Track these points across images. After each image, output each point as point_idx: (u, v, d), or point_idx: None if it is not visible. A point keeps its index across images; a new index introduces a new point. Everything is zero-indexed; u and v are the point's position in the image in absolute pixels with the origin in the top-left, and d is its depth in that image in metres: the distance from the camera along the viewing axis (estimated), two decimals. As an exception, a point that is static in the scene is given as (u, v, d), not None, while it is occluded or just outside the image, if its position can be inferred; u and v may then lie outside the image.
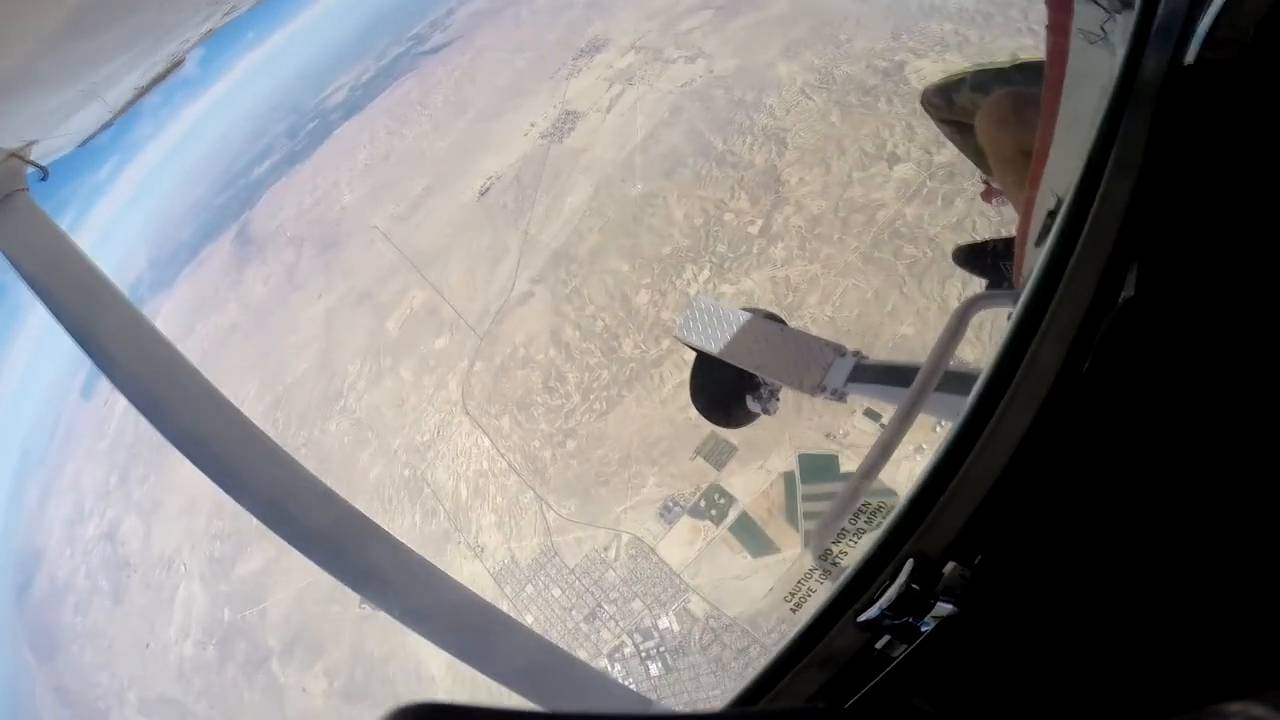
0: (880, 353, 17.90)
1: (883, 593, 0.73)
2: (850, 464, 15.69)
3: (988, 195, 2.55)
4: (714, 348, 2.53)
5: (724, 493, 16.38)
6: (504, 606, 17.75)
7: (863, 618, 0.73)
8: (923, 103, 2.41)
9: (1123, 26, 1.24)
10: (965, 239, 16.87)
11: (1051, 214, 1.54)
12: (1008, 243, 2.36)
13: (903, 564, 0.74)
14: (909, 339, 16.66)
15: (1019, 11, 20.91)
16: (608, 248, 23.70)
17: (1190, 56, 1.16)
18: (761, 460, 16.36)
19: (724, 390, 2.71)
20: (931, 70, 21.62)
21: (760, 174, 22.77)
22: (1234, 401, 0.85)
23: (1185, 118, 1.09)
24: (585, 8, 40.30)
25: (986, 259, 2.53)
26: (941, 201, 18.52)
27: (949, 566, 0.76)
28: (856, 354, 2.16)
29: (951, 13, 23.31)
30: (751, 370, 2.47)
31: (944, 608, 0.75)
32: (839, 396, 2.12)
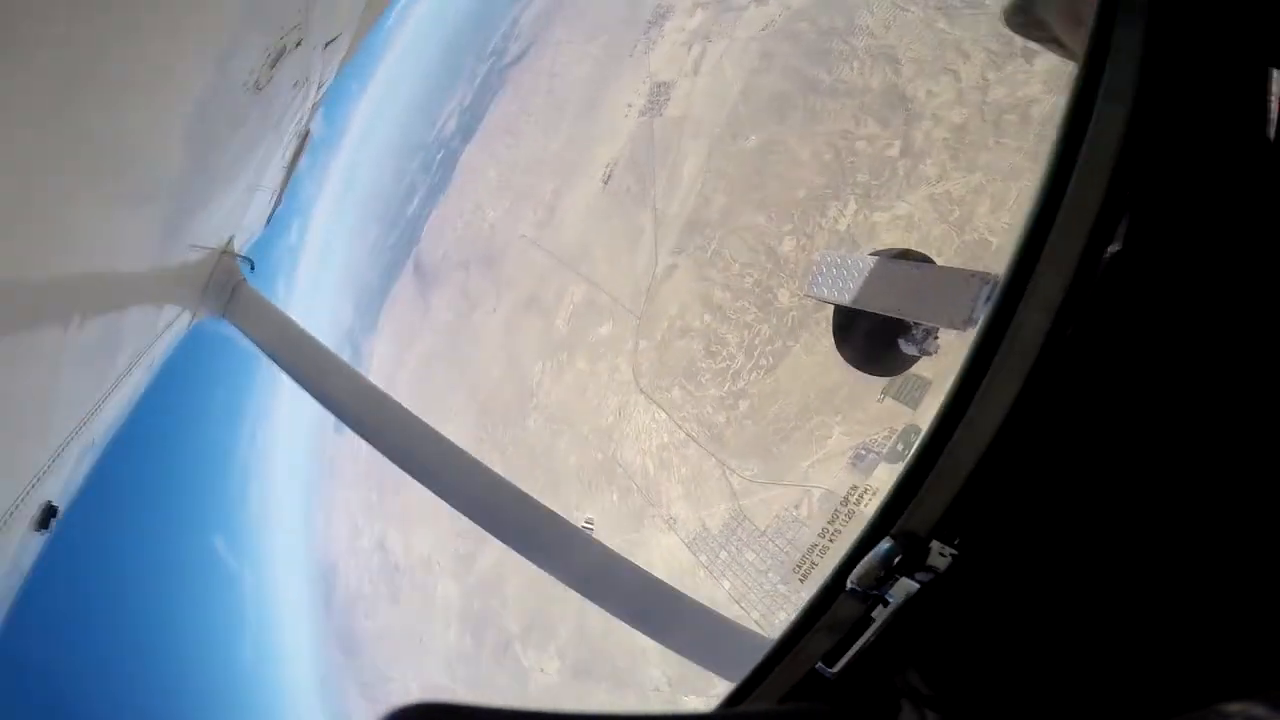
0: None
1: (867, 567, 0.74)
2: None
3: None
4: (848, 299, 2.49)
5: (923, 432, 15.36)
6: (699, 575, 18.55)
7: (848, 588, 0.75)
8: (1005, 23, 2.14)
9: None
10: None
11: None
12: None
13: (879, 541, 0.74)
14: None
15: None
16: (738, 205, 22.96)
17: None
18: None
19: (871, 339, 2.59)
20: None
21: (881, 96, 20.55)
22: (1224, 375, 0.77)
23: (1182, 29, 0.88)
24: None
25: None
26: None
27: (933, 544, 0.75)
28: (992, 277, 1.98)
29: None
30: (893, 315, 2.37)
31: (910, 584, 0.75)
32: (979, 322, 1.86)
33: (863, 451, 15.86)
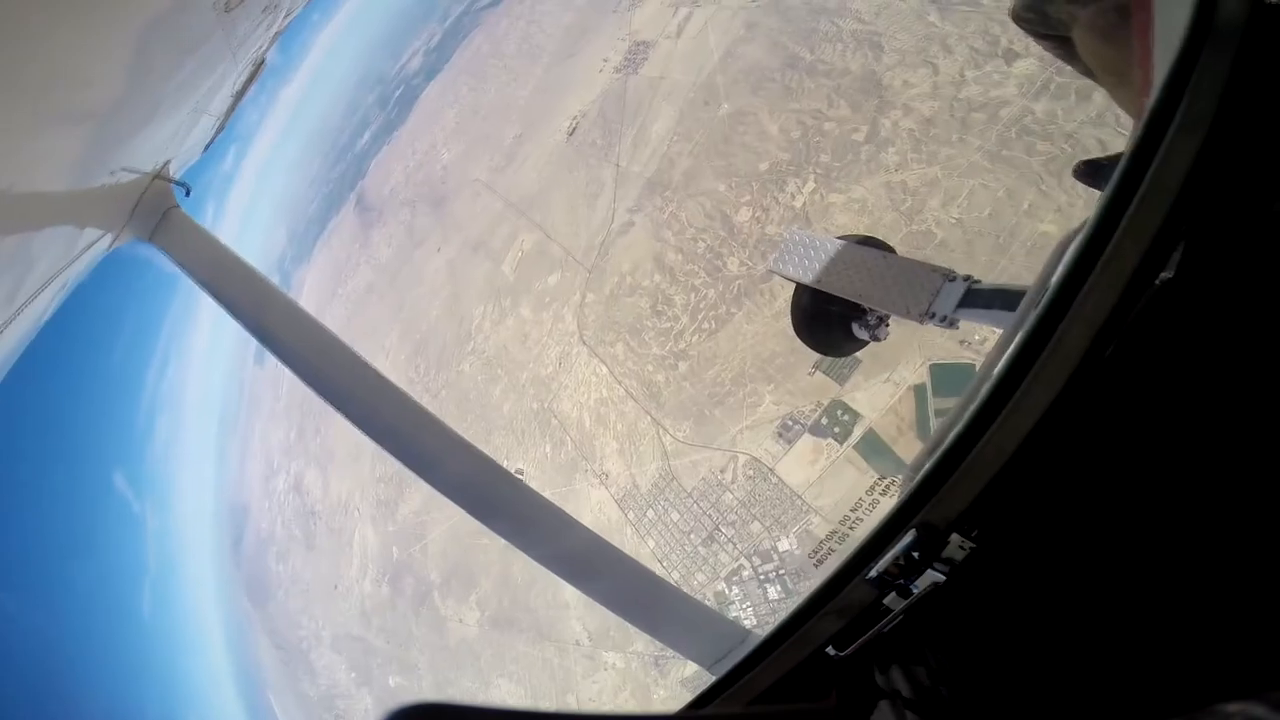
0: (1019, 252, 16.08)
1: (888, 555, 0.73)
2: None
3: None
4: (812, 279, 2.34)
5: (848, 409, 15.19)
6: (627, 532, 18.61)
7: (870, 575, 0.75)
8: (1012, 17, 2.09)
9: None
10: (1109, 134, 14.43)
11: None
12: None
13: (906, 531, 0.74)
14: (1050, 236, 14.69)
15: None
16: (701, 170, 22.53)
17: None
18: (888, 372, 14.96)
19: (828, 320, 2.48)
20: None
21: (858, 80, 20.38)
22: (1257, 404, 0.77)
23: (1268, 65, 0.88)
24: None
25: (1104, 173, 2.12)
26: (1075, 96, 15.73)
27: (952, 537, 0.75)
28: (968, 278, 1.94)
29: None
30: (854, 299, 2.26)
31: (935, 575, 0.75)
32: (949, 323, 1.92)
33: (789, 422, 16.04)
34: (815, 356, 17.39)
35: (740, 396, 17.40)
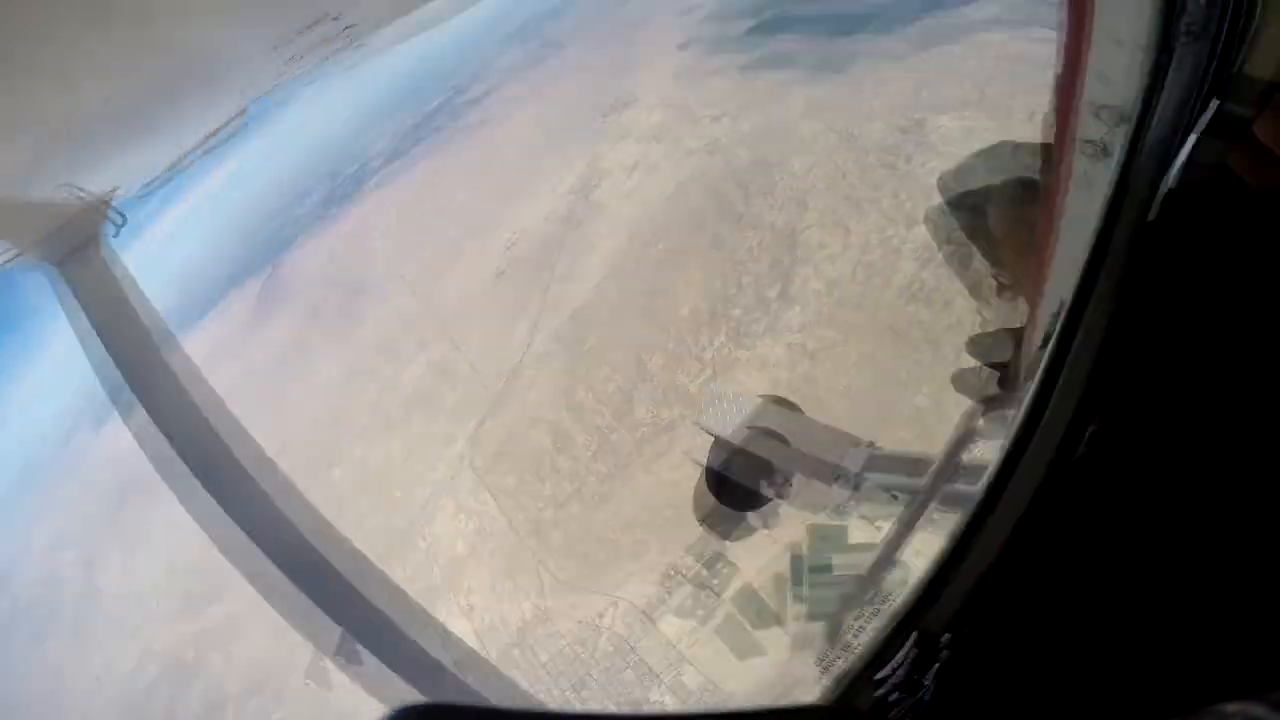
0: (896, 423, 18.22)
1: (891, 660, 0.82)
2: (859, 535, 15.91)
3: (1000, 288, 2.74)
4: (731, 434, 2.77)
5: (728, 562, 16.51)
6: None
7: (878, 677, 0.82)
8: (939, 186, 2.61)
9: (1120, 138, 1.34)
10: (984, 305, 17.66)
11: (1054, 317, 1.64)
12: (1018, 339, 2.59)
13: (908, 639, 0.83)
14: (924, 411, 16.89)
15: (1037, 67, 22.01)
16: (627, 308, 24.71)
17: (1171, 181, 1.26)
18: (769, 530, 16.56)
19: (738, 474, 2.91)
20: (953, 126, 22.88)
21: (781, 236, 23.79)
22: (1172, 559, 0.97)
23: (1163, 246, 1.21)
24: (615, 63, 42.71)
25: (996, 349, 2.67)
26: (959, 264, 19.16)
27: (945, 638, 0.86)
28: (870, 445, 2.45)
29: (970, 70, 24.57)
30: (768, 457, 2.70)
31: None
32: (854, 485, 2.38)
33: (671, 572, 17.23)
34: (704, 510, 18.77)
35: (628, 543, 18.29)
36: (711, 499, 16.75)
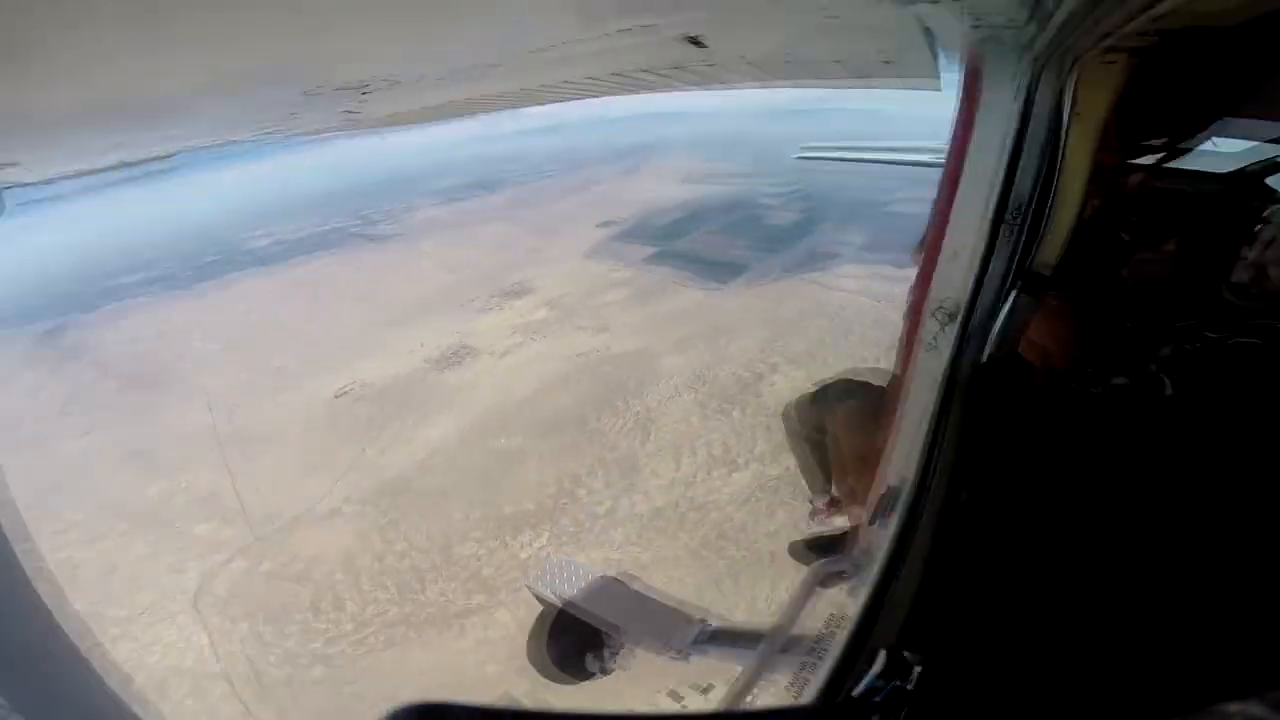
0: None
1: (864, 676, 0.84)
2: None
3: (816, 512, 3.19)
4: (566, 603, 2.86)
5: None
6: None
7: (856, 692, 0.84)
8: (784, 416, 2.91)
9: (949, 335, 1.63)
10: (781, 546, 19.43)
11: (884, 498, 1.89)
12: (838, 538, 3.00)
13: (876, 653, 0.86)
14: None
15: (861, 331, 28.16)
16: (447, 492, 24.37)
17: (985, 356, 1.56)
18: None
19: (567, 646, 2.96)
20: (782, 385, 26.54)
21: (621, 458, 25.55)
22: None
23: (981, 408, 1.43)
24: (525, 252, 46.42)
25: (820, 548, 3.16)
26: (765, 511, 21.67)
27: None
28: (703, 620, 2.63)
29: (811, 331, 29.75)
30: (603, 627, 2.83)
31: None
32: (685, 656, 2.50)
33: None
34: (485, 696, 17.47)
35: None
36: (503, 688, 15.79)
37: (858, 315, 31.36)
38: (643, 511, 24.03)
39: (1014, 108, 1.45)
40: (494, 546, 22.71)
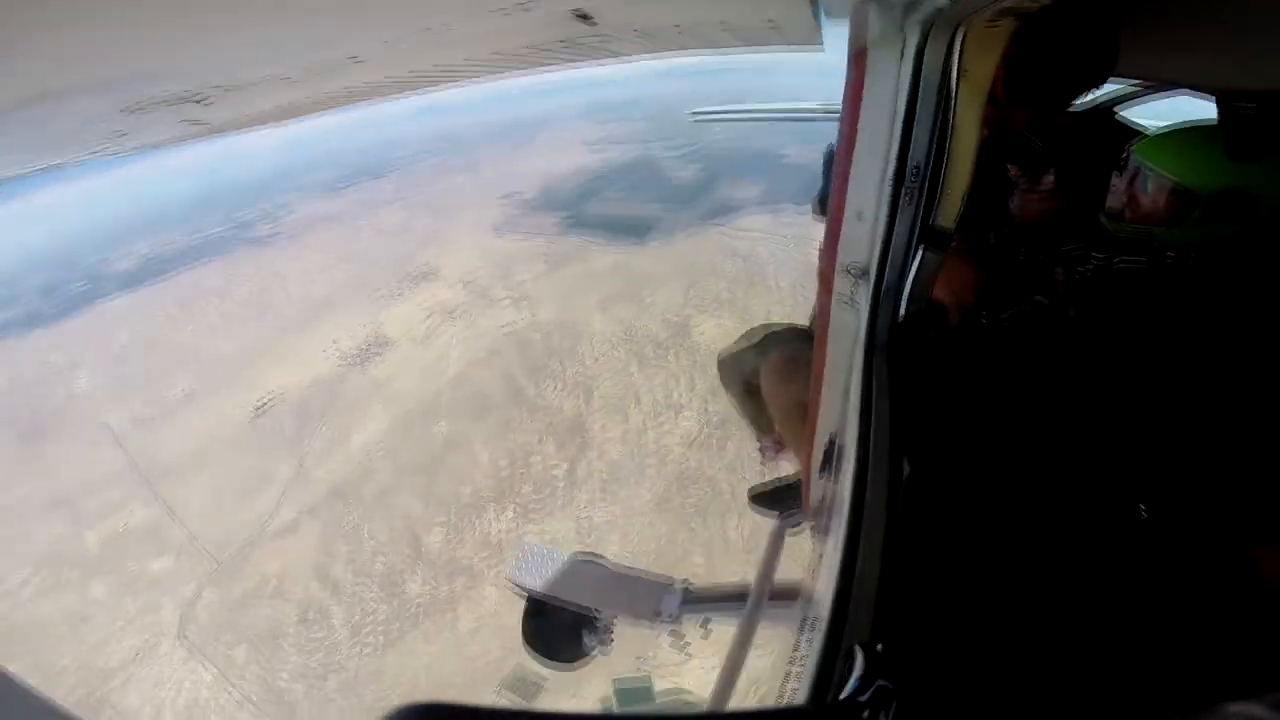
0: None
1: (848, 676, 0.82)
2: (662, 683, 16.89)
3: (764, 451, 3.23)
4: (549, 590, 2.86)
5: None
6: None
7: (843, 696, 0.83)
8: (718, 366, 2.92)
9: (863, 292, 1.67)
10: (739, 479, 20.73)
11: (828, 448, 1.93)
12: (790, 485, 3.08)
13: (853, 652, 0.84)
14: (700, 568, 19.40)
15: (775, 269, 30.07)
16: (399, 486, 23.99)
17: (901, 314, 1.64)
18: (575, 690, 16.76)
19: (559, 630, 2.96)
20: (709, 327, 28.25)
21: (568, 421, 25.79)
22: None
23: (905, 359, 1.55)
24: (426, 235, 45.41)
25: (775, 496, 3.24)
26: (716, 447, 22.89)
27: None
28: (684, 582, 2.65)
29: (727, 273, 31.72)
30: (588, 607, 2.80)
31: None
32: (675, 621, 2.58)
33: None
34: (500, 675, 17.90)
35: None
36: (510, 664, 16.30)
37: (769, 255, 32.69)
38: (600, 469, 24.46)
39: (903, 70, 1.53)
40: (462, 529, 22.67)
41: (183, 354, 35.61)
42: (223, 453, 27.56)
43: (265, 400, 29.89)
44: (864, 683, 0.82)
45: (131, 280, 48.80)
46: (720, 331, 27.40)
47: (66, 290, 48.42)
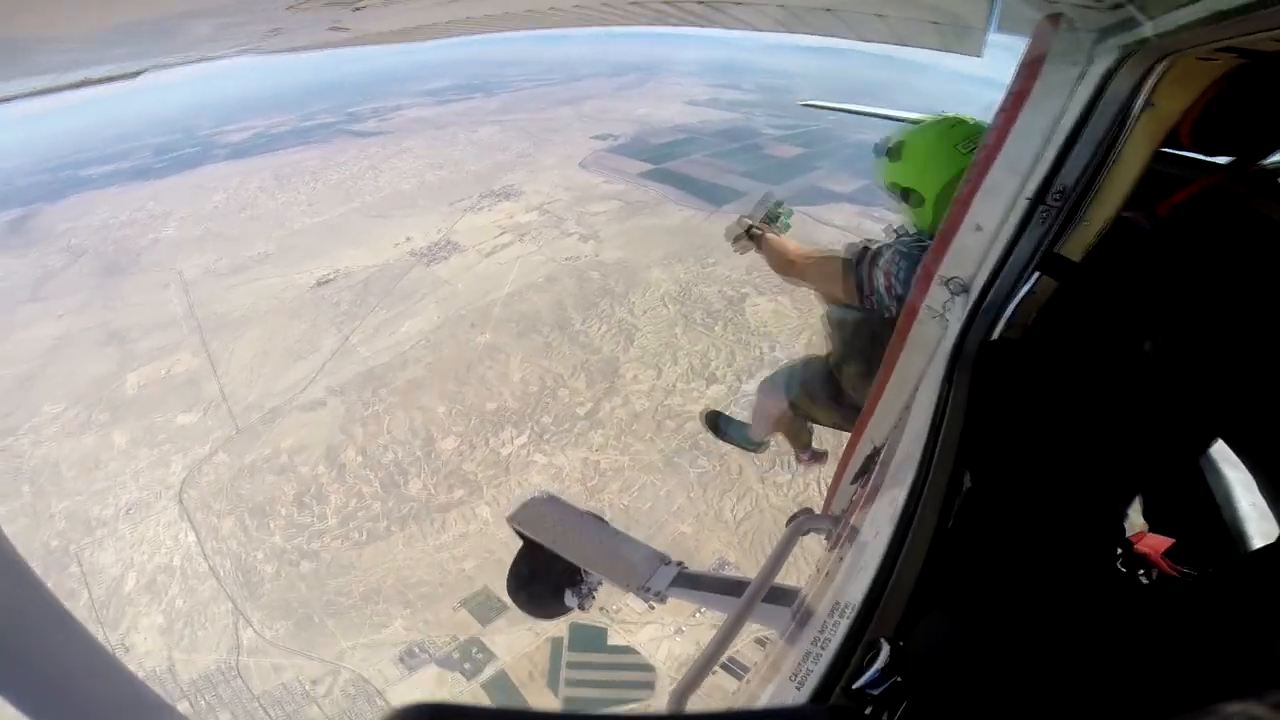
0: (659, 544, 19.39)
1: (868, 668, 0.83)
2: (618, 638, 17.02)
3: (801, 462, 3.36)
4: (546, 539, 2.79)
5: (484, 648, 16.52)
6: None
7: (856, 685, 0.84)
8: (759, 390, 2.99)
9: (959, 307, 1.65)
10: (748, 462, 19.92)
11: (869, 459, 1.94)
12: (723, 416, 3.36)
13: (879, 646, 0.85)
14: (686, 536, 19.15)
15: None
16: (429, 384, 24.31)
17: (995, 334, 1.65)
18: (533, 623, 16.54)
19: (545, 581, 2.90)
20: (765, 307, 27.39)
21: (603, 361, 25.43)
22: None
23: (991, 379, 1.52)
24: (516, 157, 46.04)
25: (714, 422, 3.47)
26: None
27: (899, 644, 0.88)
28: (679, 564, 2.54)
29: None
30: (581, 565, 2.74)
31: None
32: (660, 598, 2.42)
33: (416, 650, 16.63)
34: (465, 594, 18.01)
35: (366, 614, 17.38)
36: (477, 584, 16.33)
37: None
38: (622, 416, 24.24)
39: (1080, 90, 1.37)
40: (475, 442, 22.81)
41: (268, 221, 37.08)
42: (278, 317, 28.70)
43: (330, 274, 30.73)
44: (884, 675, 0.84)
45: (239, 151, 51.17)
46: (775, 314, 26.75)
47: (178, 151, 51.21)
